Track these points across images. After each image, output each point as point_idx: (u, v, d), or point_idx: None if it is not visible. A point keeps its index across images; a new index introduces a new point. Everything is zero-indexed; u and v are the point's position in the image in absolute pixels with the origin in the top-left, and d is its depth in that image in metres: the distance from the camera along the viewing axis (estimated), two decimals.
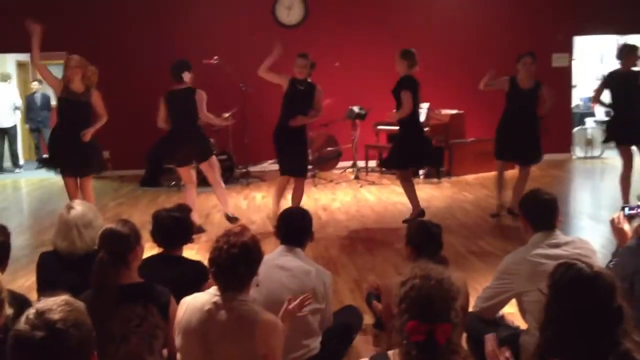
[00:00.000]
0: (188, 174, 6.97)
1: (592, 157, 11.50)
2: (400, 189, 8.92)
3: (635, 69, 6.97)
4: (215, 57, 9.22)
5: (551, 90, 7.02)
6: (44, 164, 6.66)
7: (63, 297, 1.77)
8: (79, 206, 3.46)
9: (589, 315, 1.99)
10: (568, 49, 11.56)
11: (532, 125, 6.94)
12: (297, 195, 6.86)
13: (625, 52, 6.99)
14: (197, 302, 2.63)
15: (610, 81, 7.12)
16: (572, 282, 2.05)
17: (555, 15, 11.24)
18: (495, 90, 7.16)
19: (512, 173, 7.54)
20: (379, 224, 7.15)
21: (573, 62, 11.73)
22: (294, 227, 3.44)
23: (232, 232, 2.68)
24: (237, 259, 2.60)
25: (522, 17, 11.26)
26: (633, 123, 6.90)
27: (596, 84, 8.82)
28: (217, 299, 2.60)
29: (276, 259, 3.28)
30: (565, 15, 11.25)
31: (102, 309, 2.55)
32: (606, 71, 7.62)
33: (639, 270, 3.17)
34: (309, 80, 6.89)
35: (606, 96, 7.23)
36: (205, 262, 2.86)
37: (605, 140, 7.78)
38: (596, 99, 7.44)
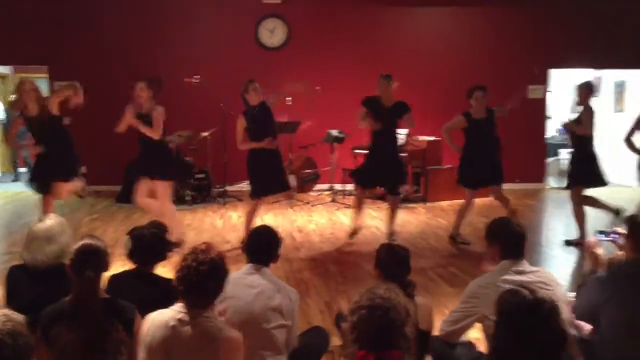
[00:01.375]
0: (147, 187, 6.75)
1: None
2: (375, 213, 9.04)
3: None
4: (196, 76, 9.30)
5: (504, 107, 7.20)
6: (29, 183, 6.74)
7: (3, 311, 1.91)
8: (49, 220, 3.47)
9: (533, 340, 2.05)
10: (543, 81, 11.80)
11: (494, 151, 7.12)
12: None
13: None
14: (162, 318, 2.65)
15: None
16: (516, 308, 2.12)
17: (532, 48, 11.49)
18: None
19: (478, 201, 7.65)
20: (352, 247, 7.19)
21: (548, 94, 11.97)
22: (263, 246, 3.47)
23: (198, 250, 2.71)
24: (206, 276, 2.63)
25: (501, 49, 11.49)
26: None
27: (570, 116, 8.97)
28: (182, 315, 2.62)
29: (243, 277, 3.31)
30: (542, 48, 11.51)
31: (90, 325, 2.58)
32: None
33: (605, 302, 3.22)
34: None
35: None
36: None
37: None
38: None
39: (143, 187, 6.69)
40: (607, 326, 3.26)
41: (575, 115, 7.38)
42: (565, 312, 3.19)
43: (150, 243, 3.50)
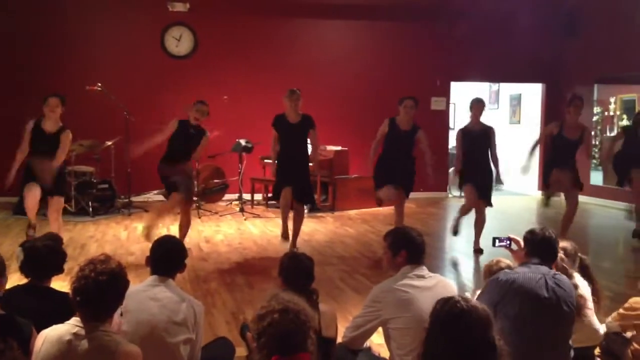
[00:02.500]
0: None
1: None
2: None
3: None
4: (99, 84, 9.02)
5: (426, 136, 7.39)
6: None
7: None
8: None
9: (464, 348, 2.10)
10: (446, 93, 12.25)
11: (408, 164, 7.31)
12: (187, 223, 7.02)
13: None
14: (56, 333, 2.56)
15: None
16: (448, 315, 2.17)
17: (435, 62, 11.92)
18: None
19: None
20: (260, 257, 7.18)
21: (450, 106, 12.44)
22: (168, 257, 3.39)
23: (97, 260, 2.63)
24: (105, 287, 2.56)
25: (405, 62, 11.84)
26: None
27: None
28: (77, 329, 2.54)
29: (147, 290, 3.22)
30: (444, 62, 11.96)
31: None
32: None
33: (501, 301, 3.42)
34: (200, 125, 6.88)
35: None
36: None
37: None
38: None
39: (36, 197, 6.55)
40: (503, 330, 3.44)
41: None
42: None
43: (44, 256, 3.36)
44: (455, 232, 7.64)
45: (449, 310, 2.18)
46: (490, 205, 7.42)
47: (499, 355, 2.13)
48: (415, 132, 7.27)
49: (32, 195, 6.49)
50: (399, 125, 7.23)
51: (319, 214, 9.94)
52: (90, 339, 2.51)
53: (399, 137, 7.20)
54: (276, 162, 7.12)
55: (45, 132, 6.53)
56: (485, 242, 7.49)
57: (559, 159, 7.46)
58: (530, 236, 3.60)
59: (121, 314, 2.71)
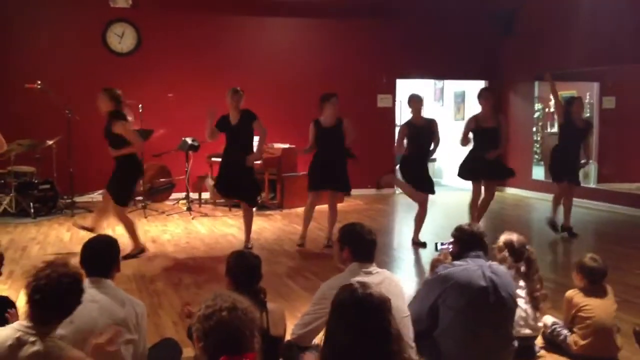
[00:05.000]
0: None
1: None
2: (231, 221, 9.03)
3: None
4: (38, 82, 8.76)
5: (351, 123, 7.46)
6: None
7: None
8: None
9: (359, 333, 2.16)
10: (392, 90, 12.38)
11: (341, 160, 7.41)
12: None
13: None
14: None
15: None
16: (346, 301, 2.23)
17: (380, 59, 12.03)
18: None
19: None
20: (208, 256, 7.12)
21: (396, 103, 12.57)
22: (101, 257, 3.28)
23: (58, 263, 2.59)
24: (66, 290, 2.52)
25: (350, 59, 11.91)
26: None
27: None
28: (20, 334, 2.47)
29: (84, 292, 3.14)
30: (389, 59, 12.08)
31: None
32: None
33: (442, 294, 3.52)
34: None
35: None
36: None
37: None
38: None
39: None
40: (447, 322, 3.53)
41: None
42: (403, 310, 3.39)
43: None
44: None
45: (347, 297, 2.25)
46: (432, 193, 7.67)
47: (394, 339, 2.19)
48: (341, 124, 7.36)
49: None
50: (323, 123, 7.35)
51: (267, 212, 9.92)
52: (34, 344, 2.45)
53: (326, 134, 7.31)
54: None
55: None
56: (425, 237, 7.67)
57: (480, 148, 7.77)
58: (458, 233, 3.74)
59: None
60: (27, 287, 2.55)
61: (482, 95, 8.00)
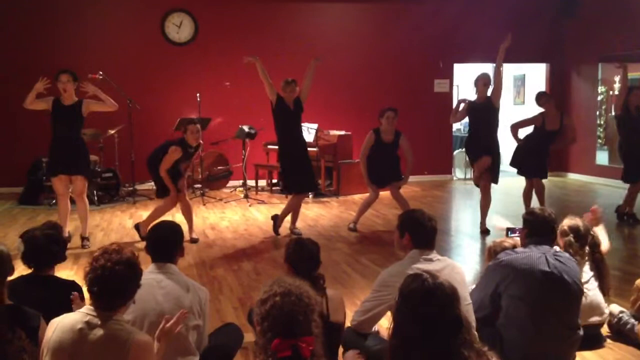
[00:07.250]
0: (61, 185, 6.75)
1: (472, 179, 12.12)
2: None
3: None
4: (100, 72, 8.97)
5: (408, 141, 7.63)
6: None
7: None
8: None
9: (430, 324, 2.12)
10: (449, 75, 12.18)
11: (394, 165, 7.62)
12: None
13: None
14: (68, 321, 2.54)
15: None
16: (415, 291, 2.19)
17: (437, 44, 11.84)
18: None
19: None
20: (266, 243, 7.19)
21: (454, 88, 12.37)
22: (166, 243, 3.34)
23: (112, 250, 2.61)
24: (123, 277, 2.55)
25: (407, 45, 11.76)
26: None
27: None
28: (89, 318, 2.52)
29: (150, 277, 3.20)
30: (446, 44, 11.87)
31: None
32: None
33: (503, 282, 3.44)
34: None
35: None
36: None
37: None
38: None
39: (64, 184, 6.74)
40: (510, 310, 3.46)
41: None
42: (466, 297, 3.33)
43: (44, 245, 3.35)
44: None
45: (416, 288, 2.20)
46: (495, 182, 7.45)
47: (466, 330, 2.15)
48: (398, 139, 7.55)
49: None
50: (382, 137, 7.49)
51: (324, 199, 9.93)
52: (103, 327, 2.51)
53: (384, 149, 7.47)
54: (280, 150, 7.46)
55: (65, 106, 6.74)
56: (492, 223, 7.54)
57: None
58: (530, 217, 3.66)
59: (134, 302, 2.68)
60: (84, 278, 2.61)
61: (540, 99, 8.05)
